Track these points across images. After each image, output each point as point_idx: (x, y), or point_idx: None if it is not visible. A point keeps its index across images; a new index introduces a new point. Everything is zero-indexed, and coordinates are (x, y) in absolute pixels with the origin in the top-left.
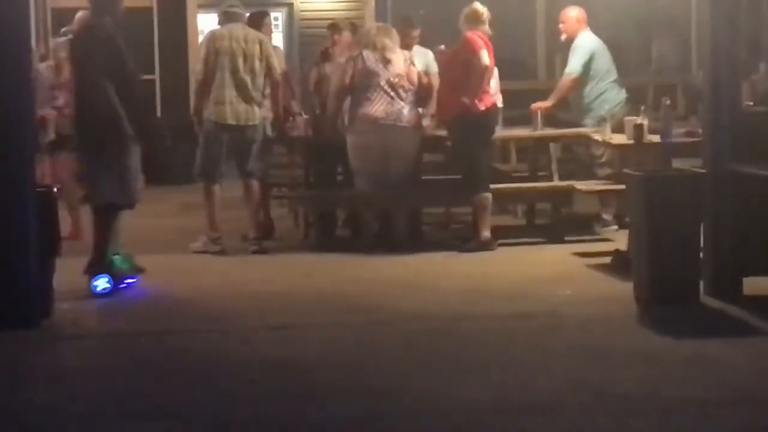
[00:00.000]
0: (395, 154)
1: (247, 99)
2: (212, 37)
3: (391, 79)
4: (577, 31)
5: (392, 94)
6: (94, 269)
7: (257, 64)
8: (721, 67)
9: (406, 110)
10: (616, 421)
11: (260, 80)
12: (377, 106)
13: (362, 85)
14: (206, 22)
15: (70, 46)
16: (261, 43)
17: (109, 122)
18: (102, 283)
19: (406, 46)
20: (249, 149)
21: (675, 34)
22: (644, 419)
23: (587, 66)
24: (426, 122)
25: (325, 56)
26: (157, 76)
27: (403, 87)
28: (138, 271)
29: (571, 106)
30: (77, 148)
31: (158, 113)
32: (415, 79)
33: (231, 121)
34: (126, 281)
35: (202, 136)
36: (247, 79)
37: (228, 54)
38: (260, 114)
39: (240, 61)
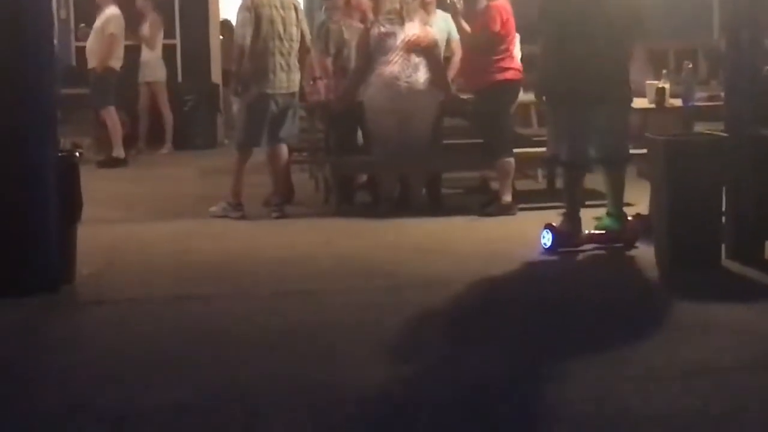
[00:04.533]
0: (412, 118)
1: (290, 66)
2: (251, 3)
3: (407, 40)
4: None
5: (408, 55)
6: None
7: (294, 30)
8: (742, 31)
9: (422, 71)
10: (636, 386)
11: (297, 46)
12: (392, 67)
13: (379, 47)
14: None
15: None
16: (296, 9)
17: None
18: None
19: None
20: (286, 115)
21: None
22: (664, 384)
23: None
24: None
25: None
26: (177, 42)
27: (418, 49)
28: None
29: None
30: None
31: (179, 79)
32: (430, 41)
33: (279, 90)
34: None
35: (246, 107)
36: (288, 45)
37: (270, 21)
38: (299, 80)
39: (281, 29)
